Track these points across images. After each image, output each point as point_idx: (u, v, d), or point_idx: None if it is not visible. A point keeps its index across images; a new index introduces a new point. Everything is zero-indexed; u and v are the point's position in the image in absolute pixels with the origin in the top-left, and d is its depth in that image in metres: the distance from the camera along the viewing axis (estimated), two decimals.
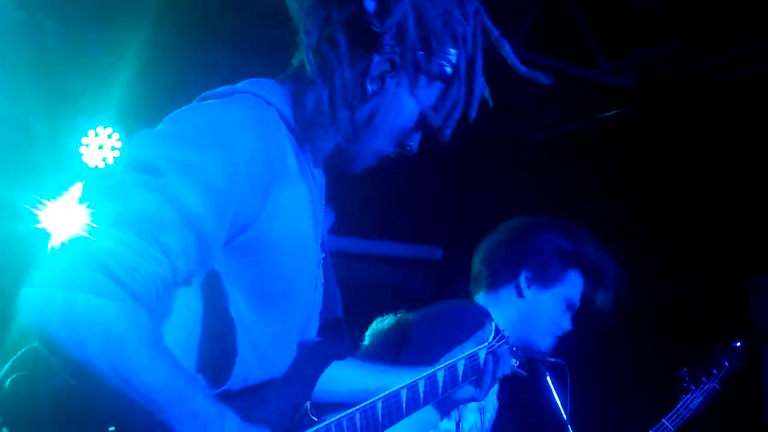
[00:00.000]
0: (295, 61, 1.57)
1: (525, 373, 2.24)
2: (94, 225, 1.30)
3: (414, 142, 1.64)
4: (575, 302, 2.69)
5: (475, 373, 1.99)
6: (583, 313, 2.70)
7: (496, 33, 1.60)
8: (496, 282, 2.66)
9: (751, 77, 3.72)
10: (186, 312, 1.44)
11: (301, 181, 1.53)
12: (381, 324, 2.60)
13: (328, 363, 1.70)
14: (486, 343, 2.05)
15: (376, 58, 1.50)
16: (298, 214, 1.53)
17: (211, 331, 1.46)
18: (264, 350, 1.53)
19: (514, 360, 2.17)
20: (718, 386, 3.05)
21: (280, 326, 1.56)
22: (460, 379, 1.95)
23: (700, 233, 4.35)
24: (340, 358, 1.75)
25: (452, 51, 1.55)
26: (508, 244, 2.68)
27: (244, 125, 1.41)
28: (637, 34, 3.74)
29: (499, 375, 2.04)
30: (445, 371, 1.92)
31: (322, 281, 1.70)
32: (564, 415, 2.85)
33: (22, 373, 1.37)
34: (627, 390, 4.17)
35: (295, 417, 1.60)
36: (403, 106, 1.57)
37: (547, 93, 3.88)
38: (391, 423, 1.74)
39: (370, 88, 1.52)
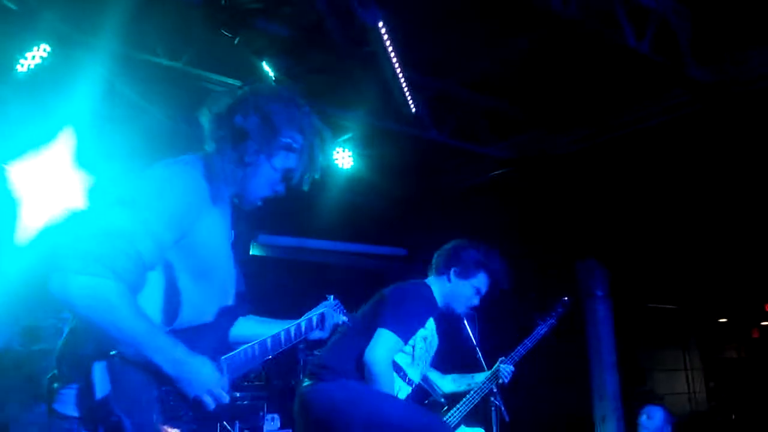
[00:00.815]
0: (207, 147, 2.27)
1: (350, 325, 2.84)
2: (94, 233, 1.95)
3: (281, 189, 2.35)
4: (482, 290, 3.74)
5: (318, 325, 2.64)
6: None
7: (319, 125, 2.37)
8: (439, 271, 3.76)
9: (581, 152, 5.92)
10: (153, 285, 2.11)
11: (215, 210, 2.22)
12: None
13: (236, 318, 2.41)
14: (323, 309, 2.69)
15: (248, 144, 2.23)
16: (215, 228, 2.23)
17: (167, 295, 2.13)
18: (198, 305, 2.20)
19: (344, 317, 2.78)
20: (555, 322, 4.12)
21: (208, 291, 2.23)
22: (303, 331, 2.57)
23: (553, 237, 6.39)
24: (244, 315, 2.49)
25: (296, 135, 2.29)
26: (451, 251, 3.78)
27: (181, 181, 2.12)
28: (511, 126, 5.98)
29: (330, 325, 2.68)
30: (296, 326, 2.54)
31: (234, 268, 2.37)
32: (474, 341, 4.07)
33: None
34: (508, 326, 5.26)
35: (219, 350, 2.25)
36: (267, 169, 2.29)
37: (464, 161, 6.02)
38: (273, 352, 2.41)
39: (246, 160, 2.25)
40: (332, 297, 2.74)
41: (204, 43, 5.12)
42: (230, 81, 5.36)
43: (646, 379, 7.13)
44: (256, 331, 2.45)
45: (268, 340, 2.39)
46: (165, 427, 2.05)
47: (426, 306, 3.54)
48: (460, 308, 3.72)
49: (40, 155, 5.68)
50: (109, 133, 5.60)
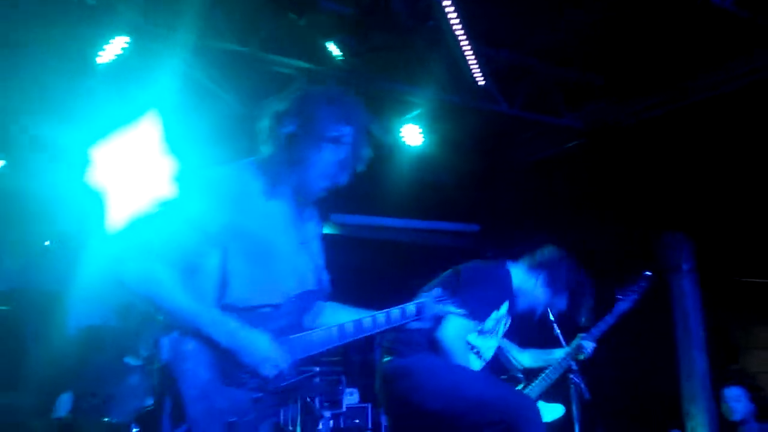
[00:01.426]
0: (263, 150, 2.50)
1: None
2: (147, 228, 2.31)
3: (339, 179, 2.51)
4: (555, 308, 3.78)
5: (416, 316, 2.62)
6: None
7: (369, 117, 2.54)
8: (531, 267, 3.73)
9: (659, 119, 5.68)
10: (209, 266, 2.34)
11: (271, 204, 2.45)
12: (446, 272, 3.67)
13: (311, 303, 2.51)
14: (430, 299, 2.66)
15: (297, 144, 2.44)
16: (271, 219, 2.44)
17: (221, 275, 2.35)
18: (256, 287, 2.36)
19: (449, 308, 2.73)
20: (638, 297, 3.99)
21: (268, 275, 2.39)
22: (394, 319, 2.57)
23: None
24: (321, 301, 2.59)
25: (342, 128, 2.47)
26: (554, 261, 3.73)
27: (223, 177, 2.41)
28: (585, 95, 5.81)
29: (430, 316, 2.65)
30: (386, 313, 2.56)
31: (308, 256, 2.55)
32: (552, 317, 3.93)
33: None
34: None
35: (288, 331, 2.37)
36: (320, 163, 2.47)
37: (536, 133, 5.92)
38: (356, 336, 2.48)
39: (296, 158, 2.45)
40: (439, 290, 2.72)
41: (271, 27, 5.22)
42: (298, 63, 5.44)
43: (738, 357, 6.75)
44: (340, 318, 2.54)
45: (350, 324, 2.48)
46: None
47: (501, 291, 3.57)
48: (526, 306, 3.72)
49: (125, 144, 5.96)
50: (187, 120, 5.82)
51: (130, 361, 5.34)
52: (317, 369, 6.17)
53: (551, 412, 3.96)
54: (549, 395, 3.94)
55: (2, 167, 6.27)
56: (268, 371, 2.26)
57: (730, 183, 5.80)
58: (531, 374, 3.96)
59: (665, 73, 5.41)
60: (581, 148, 6.00)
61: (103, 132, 5.95)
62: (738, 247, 6.26)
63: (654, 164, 5.92)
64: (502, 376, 3.94)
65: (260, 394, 2.27)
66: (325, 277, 2.60)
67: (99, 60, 5.15)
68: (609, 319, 3.91)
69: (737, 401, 5.10)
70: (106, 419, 4.91)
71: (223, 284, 2.35)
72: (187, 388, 2.18)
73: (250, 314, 2.31)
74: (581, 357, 3.92)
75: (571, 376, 3.95)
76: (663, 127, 5.69)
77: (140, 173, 6.03)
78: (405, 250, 6.60)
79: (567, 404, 4.00)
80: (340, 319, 2.51)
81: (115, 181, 6.10)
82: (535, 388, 3.88)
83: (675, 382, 6.40)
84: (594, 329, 3.95)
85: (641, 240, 6.14)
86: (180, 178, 2.45)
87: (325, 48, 5.33)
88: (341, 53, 5.34)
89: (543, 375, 3.90)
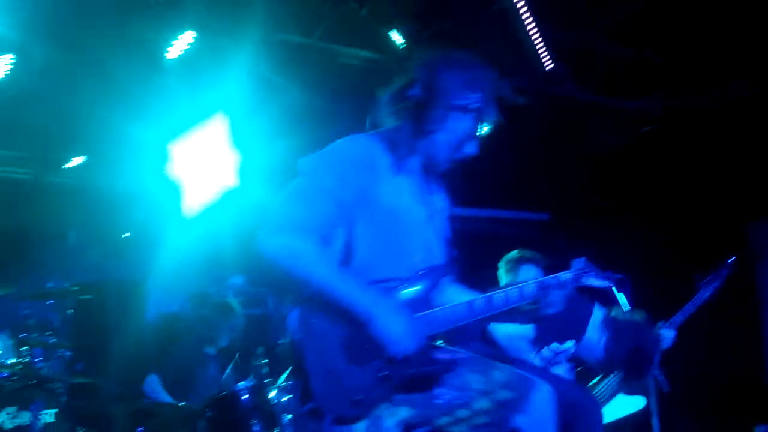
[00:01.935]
0: (387, 124, 2.46)
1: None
2: (284, 201, 2.29)
3: (469, 150, 2.44)
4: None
5: (560, 287, 2.41)
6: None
7: (500, 83, 2.44)
8: None
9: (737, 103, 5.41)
10: (339, 239, 2.34)
11: (400, 178, 2.39)
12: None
13: (438, 279, 2.41)
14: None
15: (425, 113, 2.38)
16: (400, 193, 2.39)
17: (349, 248, 2.34)
18: (384, 261, 2.34)
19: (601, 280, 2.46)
20: (719, 285, 3.84)
21: (396, 249, 2.37)
22: (529, 295, 2.40)
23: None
24: (447, 277, 2.49)
25: (471, 96, 2.37)
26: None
27: (354, 149, 2.36)
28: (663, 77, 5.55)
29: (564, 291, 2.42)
30: (519, 288, 2.41)
31: (435, 230, 2.49)
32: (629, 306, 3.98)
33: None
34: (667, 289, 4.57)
35: (414, 307, 2.30)
36: (448, 133, 2.40)
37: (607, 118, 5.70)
38: (486, 313, 2.37)
39: (425, 128, 2.39)
40: (584, 259, 2.48)
41: (333, 18, 5.22)
42: (361, 53, 5.42)
43: None
44: (463, 298, 2.44)
45: (480, 300, 2.37)
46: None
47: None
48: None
49: (197, 138, 6.12)
50: (254, 113, 5.92)
51: (209, 350, 5.50)
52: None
53: (631, 404, 3.87)
54: (628, 387, 3.83)
55: (83, 163, 6.55)
56: (397, 345, 2.20)
57: None
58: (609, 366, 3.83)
59: (750, 52, 5.07)
60: (657, 134, 5.72)
61: (176, 126, 6.15)
62: None
63: (739, 149, 5.62)
64: (577, 368, 3.82)
65: (386, 372, 2.22)
66: (453, 252, 2.53)
67: (168, 56, 5.25)
68: (690, 308, 3.77)
69: None
70: (182, 404, 5.05)
71: (348, 255, 2.33)
72: (314, 366, 2.18)
73: (374, 287, 2.29)
74: (661, 347, 3.74)
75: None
76: (749, 110, 5.33)
77: (211, 166, 6.18)
78: (472, 240, 6.45)
79: (646, 397, 3.86)
80: (463, 298, 2.41)
81: (189, 174, 6.27)
82: (613, 380, 3.79)
83: (762, 376, 6.11)
84: (674, 318, 3.80)
85: (726, 229, 5.82)
86: (312, 151, 2.40)
87: (387, 36, 5.27)
88: (404, 41, 5.26)
89: None
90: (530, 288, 2.39)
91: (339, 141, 2.39)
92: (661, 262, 5.49)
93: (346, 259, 2.33)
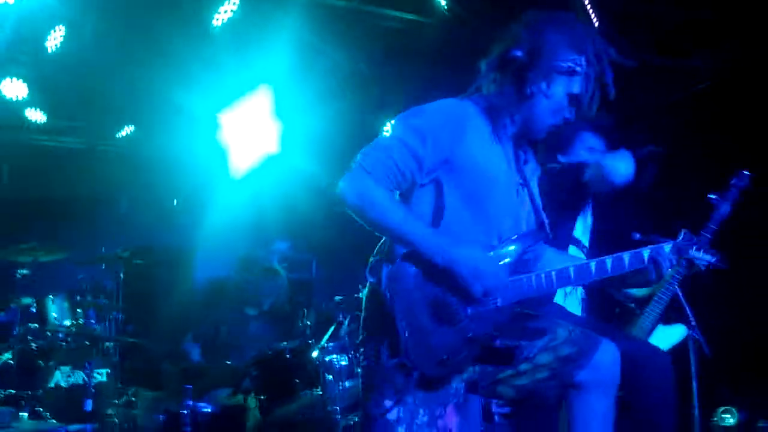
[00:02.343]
0: (486, 89, 2.44)
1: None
2: (364, 151, 2.29)
3: (570, 115, 2.37)
4: None
5: (650, 262, 2.35)
6: None
7: (604, 44, 2.33)
8: None
9: None
10: (422, 201, 2.35)
11: (492, 140, 2.36)
12: None
13: (532, 245, 2.39)
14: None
15: (527, 75, 2.32)
16: (492, 158, 2.35)
17: (434, 210, 2.34)
18: (469, 226, 2.32)
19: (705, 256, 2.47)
20: (737, 197, 3.46)
21: (483, 215, 2.34)
22: (628, 265, 2.34)
23: None
24: (542, 241, 2.46)
25: (578, 58, 2.30)
26: None
27: (444, 109, 2.34)
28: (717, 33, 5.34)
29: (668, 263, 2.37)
30: (616, 258, 2.35)
31: (527, 198, 2.47)
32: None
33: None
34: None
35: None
36: (551, 97, 2.34)
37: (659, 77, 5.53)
38: (579, 281, 2.38)
39: (527, 91, 2.33)
40: (685, 231, 2.45)
41: None
42: (404, 15, 5.37)
43: None
44: (558, 264, 2.41)
45: (572, 269, 2.34)
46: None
47: None
48: None
49: (244, 106, 6.21)
50: (298, 81, 5.95)
51: (249, 311, 5.60)
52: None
53: (673, 335, 3.76)
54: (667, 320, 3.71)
55: (133, 132, 6.70)
56: (480, 288, 2.21)
57: None
58: (642, 302, 3.71)
59: None
60: (710, 92, 5.51)
61: (223, 96, 6.25)
62: None
63: None
64: (616, 310, 3.77)
65: (471, 333, 2.22)
66: (545, 219, 2.48)
67: (215, 23, 5.29)
68: (712, 226, 3.43)
69: None
70: (228, 362, 5.18)
71: (436, 219, 2.32)
72: (403, 322, 2.18)
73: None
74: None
75: (690, 332, 3.71)
76: None
77: (255, 134, 6.28)
78: None
79: (686, 363, 3.73)
80: (558, 264, 2.38)
81: (236, 142, 6.38)
82: (650, 315, 3.64)
83: None
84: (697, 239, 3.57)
85: None
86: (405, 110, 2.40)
87: None
88: (447, 3, 5.19)
89: (654, 299, 3.63)
90: (609, 263, 2.34)
91: (434, 102, 2.37)
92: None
93: (435, 223, 2.32)
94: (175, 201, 7.11)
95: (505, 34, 2.36)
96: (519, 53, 2.30)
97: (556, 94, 2.32)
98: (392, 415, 2.27)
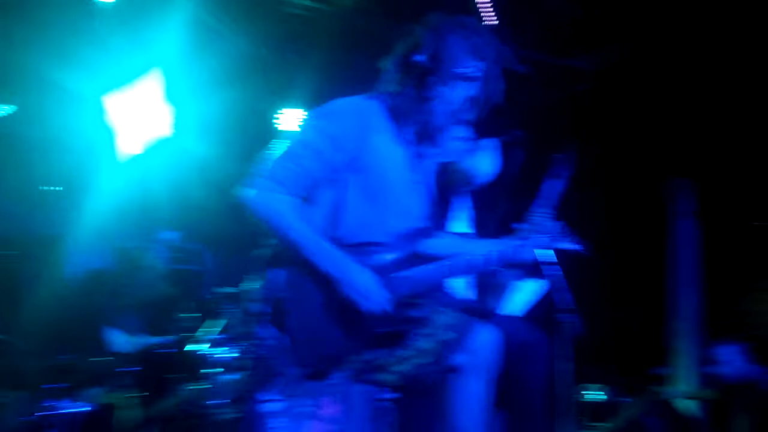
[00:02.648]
0: (389, 88, 2.44)
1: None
2: (278, 160, 2.35)
3: (468, 117, 2.43)
4: None
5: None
6: None
7: (502, 50, 2.41)
8: None
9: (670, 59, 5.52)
10: (325, 200, 2.40)
11: (395, 140, 2.42)
12: None
13: (423, 239, 2.53)
14: None
15: (427, 79, 2.37)
16: (393, 157, 2.42)
17: (335, 209, 2.40)
18: (369, 224, 2.40)
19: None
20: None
21: (382, 212, 2.41)
22: (512, 254, 2.45)
23: None
24: (431, 238, 2.57)
25: (476, 64, 2.36)
26: None
27: (348, 109, 2.39)
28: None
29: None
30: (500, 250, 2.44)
31: (425, 195, 2.54)
32: None
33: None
34: None
35: (396, 269, 2.40)
36: (449, 101, 2.39)
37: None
38: (467, 273, 2.61)
39: (426, 94, 2.38)
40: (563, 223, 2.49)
41: None
42: (305, 2, 5.38)
43: (740, 302, 6.29)
44: (457, 249, 2.51)
45: (460, 261, 2.43)
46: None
47: None
48: None
49: (132, 86, 5.92)
50: (194, 62, 5.75)
51: (125, 303, 5.36)
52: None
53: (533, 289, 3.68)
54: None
55: (9, 110, 6.21)
56: (370, 308, 2.32)
57: (736, 127, 5.74)
58: None
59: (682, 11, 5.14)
60: (590, 91, 5.91)
61: (110, 78, 5.90)
62: (742, 192, 6.18)
63: (660, 108, 5.75)
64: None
65: (356, 327, 2.33)
66: (440, 214, 2.60)
67: None
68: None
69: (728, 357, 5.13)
70: (102, 358, 4.95)
71: (334, 218, 2.39)
72: (292, 318, 2.29)
73: (356, 250, 2.35)
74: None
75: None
76: (672, 69, 5.48)
77: (144, 118, 6.02)
78: None
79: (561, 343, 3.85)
80: (455, 251, 2.47)
81: (123, 126, 6.08)
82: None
83: (662, 326, 6.39)
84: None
85: (648, 186, 6.09)
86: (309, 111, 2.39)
87: None
88: None
89: None
90: (494, 254, 2.43)
91: (338, 101, 2.43)
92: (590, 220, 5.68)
93: (334, 221, 2.40)
94: (47, 187, 6.58)
95: (407, 35, 2.43)
96: (422, 58, 2.37)
97: (456, 98, 2.40)
98: (276, 406, 2.47)
